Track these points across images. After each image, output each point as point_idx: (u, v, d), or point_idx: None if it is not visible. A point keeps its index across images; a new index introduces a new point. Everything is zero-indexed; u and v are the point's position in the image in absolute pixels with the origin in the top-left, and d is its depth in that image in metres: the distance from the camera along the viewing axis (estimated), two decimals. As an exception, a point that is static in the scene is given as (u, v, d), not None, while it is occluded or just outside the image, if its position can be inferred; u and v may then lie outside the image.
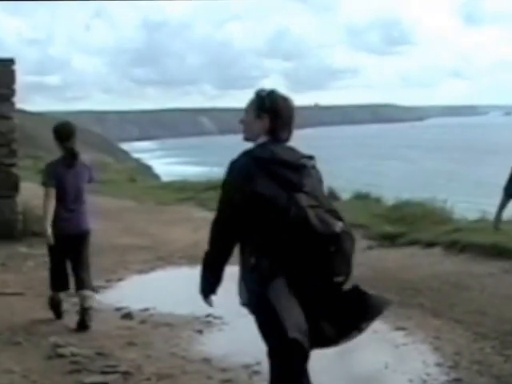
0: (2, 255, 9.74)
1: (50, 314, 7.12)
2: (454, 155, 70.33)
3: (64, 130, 6.92)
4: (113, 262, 9.70)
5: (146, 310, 7.49)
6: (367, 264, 9.13)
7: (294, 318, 3.54)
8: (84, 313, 6.77)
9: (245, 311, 7.25)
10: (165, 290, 8.61)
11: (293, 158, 3.70)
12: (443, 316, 7.01)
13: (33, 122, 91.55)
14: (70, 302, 7.46)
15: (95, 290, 7.33)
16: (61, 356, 5.96)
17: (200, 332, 6.81)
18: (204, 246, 9.79)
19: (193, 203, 15.09)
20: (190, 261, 9.75)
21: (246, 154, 3.74)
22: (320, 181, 3.79)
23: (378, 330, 6.75)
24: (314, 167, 3.77)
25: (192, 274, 9.20)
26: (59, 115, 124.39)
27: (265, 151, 3.69)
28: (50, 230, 6.66)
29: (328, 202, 3.67)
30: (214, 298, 4.33)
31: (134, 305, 7.69)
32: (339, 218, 3.57)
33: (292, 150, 3.78)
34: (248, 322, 7.08)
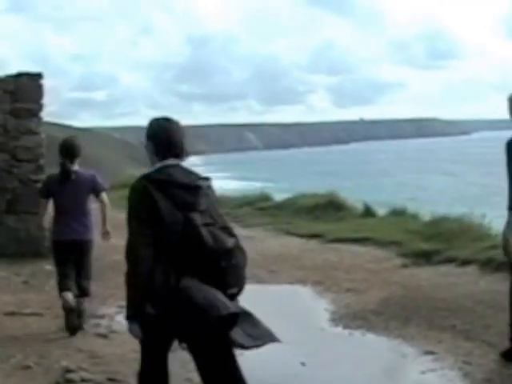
0: (26, 273, 9.60)
1: (65, 336, 6.93)
2: (497, 169, 68.95)
3: (61, 147, 7.30)
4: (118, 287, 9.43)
5: (166, 332, 7.24)
6: (400, 283, 8.81)
7: (211, 297, 3.76)
8: (78, 315, 7.12)
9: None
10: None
11: (188, 179, 3.94)
12: (476, 339, 6.63)
13: (81, 139, 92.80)
14: (87, 324, 7.27)
15: (89, 294, 7.45)
16: (70, 382, 5.74)
17: (218, 356, 6.52)
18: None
19: (228, 219, 14.64)
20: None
21: (144, 177, 3.94)
22: (216, 200, 4.09)
23: (405, 354, 6.44)
24: (209, 187, 4.02)
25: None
26: (106, 131, 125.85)
27: (162, 174, 3.92)
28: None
29: (222, 220, 4.03)
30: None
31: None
32: (232, 235, 3.97)
33: (189, 172, 4.01)
34: (269, 346, 6.89)
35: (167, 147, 4.00)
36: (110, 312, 8.03)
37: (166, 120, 4.14)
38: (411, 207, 14.09)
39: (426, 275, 9.15)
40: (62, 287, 7.15)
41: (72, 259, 7.29)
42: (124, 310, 7.96)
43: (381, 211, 14.41)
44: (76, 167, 7.30)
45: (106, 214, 7.67)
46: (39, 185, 10.62)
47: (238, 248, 3.97)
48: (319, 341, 6.96)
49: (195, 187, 3.93)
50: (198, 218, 3.84)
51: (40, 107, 10.68)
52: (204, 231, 3.81)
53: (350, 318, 7.54)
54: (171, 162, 3.97)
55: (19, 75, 10.49)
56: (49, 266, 10.09)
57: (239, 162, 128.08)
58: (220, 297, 3.80)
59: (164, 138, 4.03)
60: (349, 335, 7.06)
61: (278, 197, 16.75)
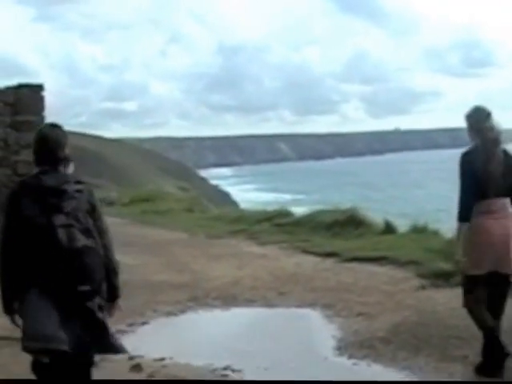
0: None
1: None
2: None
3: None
4: (142, 303, 9.15)
5: (161, 359, 6.90)
6: (414, 307, 8.36)
7: (36, 327, 4.13)
8: None
9: (268, 364, 6.66)
10: (188, 336, 8.00)
11: (56, 184, 4.31)
12: (489, 372, 6.17)
13: (111, 149, 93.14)
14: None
15: None
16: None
17: (211, 389, 6.16)
18: (244, 284, 9.13)
19: (244, 236, 14.49)
20: (224, 302, 9.15)
21: (19, 182, 4.48)
22: (86, 202, 4.38)
23: (413, 388, 6.04)
24: (79, 191, 4.37)
25: (222, 319, 8.69)
26: (136, 141, 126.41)
27: (34, 179, 4.37)
28: None
29: (86, 221, 4.32)
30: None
31: (150, 353, 7.11)
32: (90, 236, 4.32)
33: (59, 177, 4.37)
34: (270, 376, 6.51)
35: (40, 155, 4.44)
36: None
37: (48, 127, 4.59)
38: (442, 218, 13.51)
39: (444, 299, 8.66)
40: None
41: None
42: (122, 334, 7.75)
43: (406, 225, 13.88)
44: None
45: None
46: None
47: (92, 248, 4.31)
48: (319, 371, 6.55)
49: (61, 191, 4.29)
50: (59, 220, 4.23)
51: (41, 119, 10.38)
52: (60, 232, 4.20)
53: (356, 346, 7.12)
54: (44, 168, 4.37)
55: (19, 87, 10.21)
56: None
57: (271, 173, 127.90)
58: (51, 328, 4.13)
59: (38, 145, 4.45)
60: (353, 365, 6.66)
61: (305, 210, 16.31)
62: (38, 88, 10.34)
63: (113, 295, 4.70)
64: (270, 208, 17.71)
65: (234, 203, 74.80)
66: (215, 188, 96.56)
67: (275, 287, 9.80)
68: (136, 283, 10.27)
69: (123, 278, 10.08)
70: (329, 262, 11.37)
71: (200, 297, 9.44)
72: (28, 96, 10.26)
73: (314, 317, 8.44)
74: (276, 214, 15.89)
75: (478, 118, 6.00)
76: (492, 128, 5.95)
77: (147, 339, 7.85)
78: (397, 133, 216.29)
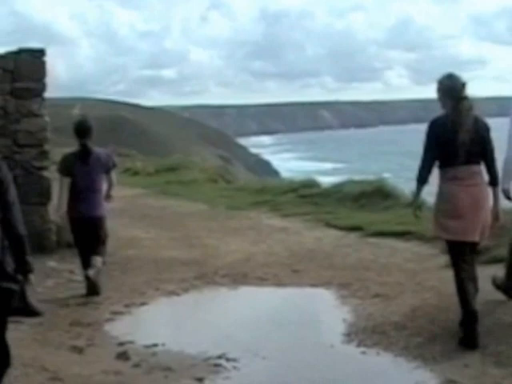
0: (24, 271, 8.71)
1: (35, 349, 6.08)
2: None
3: (79, 128, 7.92)
4: (145, 281, 8.58)
5: (152, 346, 6.31)
6: (436, 288, 7.63)
7: None
8: (88, 281, 7.84)
9: (266, 352, 6.02)
10: (187, 319, 7.38)
11: None
12: (508, 365, 5.47)
13: (148, 118, 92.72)
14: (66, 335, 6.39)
15: (103, 257, 8.07)
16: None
17: (200, 381, 5.54)
18: (257, 261, 8.49)
19: (267, 208, 13.80)
20: (233, 281, 8.53)
21: None
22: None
23: (421, 381, 5.37)
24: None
25: (227, 299, 8.05)
26: (175, 110, 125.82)
27: None
28: (61, 212, 7.95)
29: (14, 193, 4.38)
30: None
31: (142, 339, 6.53)
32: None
33: None
34: (265, 366, 5.88)
35: None
36: (100, 319, 7.15)
37: None
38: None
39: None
40: (84, 266, 7.94)
41: (87, 235, 7.92)
42: (117, 316, 7.19)
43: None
44: (95, 148, 8.01)
45: (110, 192, 8.18)
46: (44, 172, 9.82)
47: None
48: (321, 361, 5.92)
49: None
50: None
51: (43, 87, 9.71)
52: None
53: (368, 332, 6.45)
54: None
55: (19, 52, 9.54)
56: (52, 263, 9.33)
57: (313, 141, 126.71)
58: None
59: None
60: (360, 354, 5.99)
61: (341, 179, 15.52)
62: (40, 53, 9.64)
63: (23, 270, 4.41)
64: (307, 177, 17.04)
65: (274, 172, 74.38)
66: (256, 157, 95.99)
67: (290, 264, 9.16)
68: (143, 259, 9.77)
69: (131, 252, 9.63)
70: (351, 237, 10.66)
71: (208, 274, 8.82)
72: (29, 61, 9.58)
73: (327, 298, 7.78)
74: (302, 184, 15.16)
75: (454, 86, 5.92)
76: (466, 97, 5.89)
77: (142, 322, 7.30)
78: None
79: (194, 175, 19.57)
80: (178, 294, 8.06)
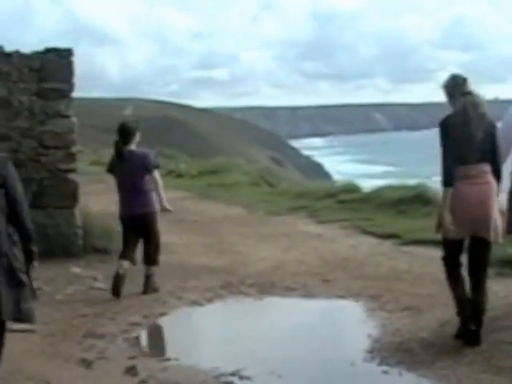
0: (46, 276, 8.47)
1: (42, 361, 5.88)
2: None
3: (118, 128, 8.17)
4: (170, 289, 8.33)
5: (165, 360, 6.05)
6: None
7: None
8: (145, 280, 8.17)
9: (281, 370, 5.70)
10: (205, 331, 7.15)
11: None
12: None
13: (199, 119, 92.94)
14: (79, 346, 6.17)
15: (156, 262, 8.33)
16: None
17: (207, 399, 5.26)
18: (287, 269, 8.15)
19: (305, 213, 13.47)
20: (259, 290, 8.23)
21: None
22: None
23: None
24: None
25: (251, 310, 7.74)
26: (227, 111, 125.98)
27: None
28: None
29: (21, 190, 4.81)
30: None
31: (155, 353, 6.38)
32: None
33: None
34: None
35: None
36: (115, 331, 6.90)
37: None
38: None
39: (505, 291, 7.50)
40: (121, 256, 8.12)
41: (134, 233, 8.17)
42: (134, 327, 6.95)
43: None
44: (132, 147, 8.13)
45: (159, 191, 8.19)
46: (70, 175, 9.66)
47: None
48: (340, 379, 5.59)
49: None
50: None
51: (71, 87, 9.51)
52: None
53: (392, 349, 6.06)
54: None
55: (46, 51, 9.36)
56: (77, 269, 9.15)
57: (365, 143, 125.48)
58: None
59: None
60: (382, 374, 5.62)
61: (389, 182, 15.11)
62: (67, 53, 9.44)
63: (29, 258, 4.94)
64: (359, 180, 16.68)
65: (326, 174, 73.86)
66: (308, 159, 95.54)
67: (321, 273, 8.82)
68: (171, 266, 9.51)
69: (161, 259, 9.37)
70: (387, 245, 10.28)
71: (234, 283, 8.54)
72: (55, 61, 9.40)
73: (355, 310, 7.43)
74: (342, 189, 14.78)
75: (455, 84, 5.89)
76: (470, 92, 5.82)
77: (159, 335, 7.05)
78: (496, 102, 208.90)
79: (236, 178, 19.33)
80: (200, 304, 7.79)
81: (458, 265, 6.04)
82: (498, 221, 5.86)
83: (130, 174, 8.01)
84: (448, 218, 5.75)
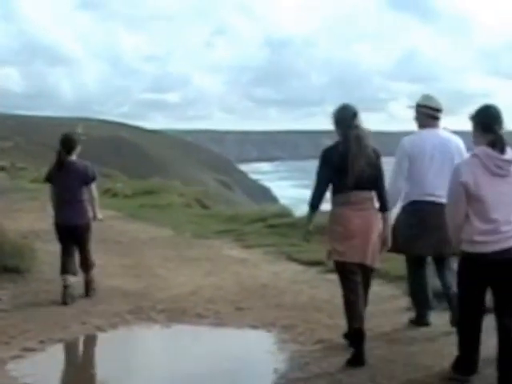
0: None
1: None
2: None
3: (60, 139, 8.39)
4: (75, 313, 7.82)
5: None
6: (388, 336, 6.85)
7: None
8: (85, 286, 8.61)
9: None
10: (96, 361, 6.63)
11: None
12: None
13: (150, 140, 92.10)
14: None
15: (93, 266, 8.70)
16: None
17: None
18: (202, 295, 7.63)
19: (232, 237, 13.03)
20: (168, 317, 7.74)
21: None
22: None
23: None
24: None
25: (154, 339, 7.26)
26: (178, 134, 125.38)
27: None
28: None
29: None
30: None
31: (40, 383, 5.76)
32: None
33: None
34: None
35: None
36: (5, 356, 6.38)
37: None
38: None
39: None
40: (62, 271, 8.35)
41: (70, 241, 8.40)
42: (26, 354, 6.40)
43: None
44: (72, 158, 8.38)
45: (94, 203, 8.50)
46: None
47: None
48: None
49: None
50: None
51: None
52: None
53: (296, 388, 5.65)
54: None
55: None
56: None
57: (314, 169, 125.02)
58: None
59: None
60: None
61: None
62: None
63: None
64: (302, 205, 16.22)
65: (273, 198, 73.53)
66: (255, 183, 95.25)
67: (236, 300, 8.37)
68: (82, 288, 8.98)
69: (72, 280, 8.78)
70: (311, 273, 9.89)
71: (145, 309, 8.04)
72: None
73: (265, 341, 6.97)
74: (274, 214, 14.39)
75: (344, 116, 6.11)
76: (357, 126, 6.07)
77: (49, 363, 6.50)
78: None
79: (170, 199, 18.85)
80: (103, 331, 7.28)
81: (351, 287, 6.12)
82: (377, 245, 6.16)
83: (68, 184, 8.25)
84: (327, 243, 6.24)
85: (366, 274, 6.21)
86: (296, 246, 11.52)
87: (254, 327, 7.36)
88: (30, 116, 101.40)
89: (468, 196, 5.12)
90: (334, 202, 6.14)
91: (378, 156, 6.13)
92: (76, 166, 8.33)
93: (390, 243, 6.28)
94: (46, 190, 8.87)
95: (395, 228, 6.64)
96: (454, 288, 6.03)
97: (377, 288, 8.63)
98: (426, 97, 6.95)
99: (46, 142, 68.22)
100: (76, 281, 8.47)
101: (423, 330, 6.99)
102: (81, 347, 6.95)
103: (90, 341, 7.08)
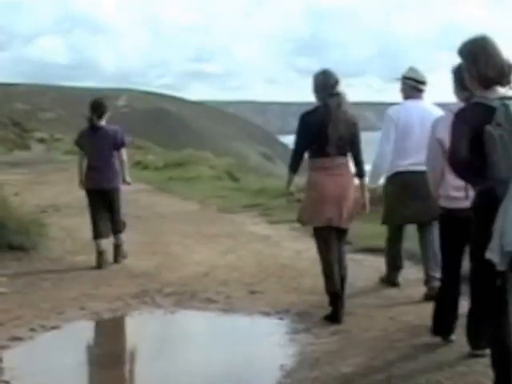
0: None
1: None
2: None
3: (91, 105, 8.61)
4: (75, 296, 7.28)
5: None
6: (410, 323, 6.11)
7: None
8: (114, 250, 8.72)
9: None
10: (86, 352, 6.02)
11: None
12: None
13: (192, 112, 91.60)
14: None
15: (123, 231, 8.81)
16: None
17: None
18: (215, 276, 6.97)
19: (257, 211, 12.37)
20: (175, 301, 7.13)
21: None
22: None
23: None
24: None
25: (155, 326, 6.62)
26: (220, 105, 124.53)
27: None
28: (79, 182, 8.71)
29: None
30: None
31: (23, 376, 5.19)
32: None
33: None
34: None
35: None
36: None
37: None
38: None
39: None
40: (95, 235, 8.53)
41: (102, 204, 8.50)
42: (14, 343, 5.84)
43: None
44: (103, 123, 8.55)
45: (124, 167, 8.65)
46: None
47: None
48: None
49: None
50: None
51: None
52: None
53: (304, 386, 4.98)
54: None
55: None
56: None
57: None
58: None
59: None
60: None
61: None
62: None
63: None
64: None
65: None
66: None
67: (251, 283, 7.72)
68: (88, 267, 8.49)
69: (79, 259, 8.32)
70: (337, 252, 9.15)
71: (151, 292, 7.44)
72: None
73: (275, 331, 6.27)
74: (304, 188, 13.62)
75: (326, 82, 6.19)
76: (338, 94, 6.15)
77: (36, 354, 5.92)
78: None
79: (199, 171, 18.24)
80: (101, 317, 6.68)
81: (328, 250, 6.28)
82: (352, 209, 6.27)
83: (99, 148, 8.41)
84: (301, 207, 6.44)
85: (341, 237, 6.36)
86: (323, 223, 10.81)
87: (266, 314, 6.69)
88: (71, 87, 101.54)
89: (444, 152, 4.98)
90: (311, 167, 6.23)
91: (355, 123, 6.23)
92: (107, 131, 8.49)
93: (368, 207, 6.43)
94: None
95: (383, 198, 7.06)
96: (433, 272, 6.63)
97: (404, 270, 7.92)
98: (412, 69, 7.06)
99: (87, 114, 68.33)
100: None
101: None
102: (71, 337, 6.32)
103: (83, 329, 6.46)
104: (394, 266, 7.42)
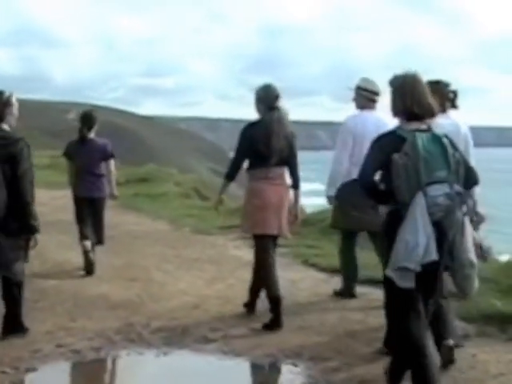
0: None
1: None
2: None
3: (81, 117, 8.84)
4: (50, 329, 6.35)
5: None
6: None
7: None
8: (85, 256, 8.52)
9: None
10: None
11: None
12: None
13: (143, 127, 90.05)
14: None
15: (103, 242, 8.86)
16: None
17: None
18: (207, 309, 5.80)
19: (238, 234, 11.49)
20: (165, 339, 6.22)
21: None
22: (6, 151, 5.58)
23: None
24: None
25: (144, 372, 5.57)
26: (170, 120, 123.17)
27: None
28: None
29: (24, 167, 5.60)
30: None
31: None
32: None
33: None
34: None
35: None
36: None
37: None
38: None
39: (493, 364, 5.64)
40: (81, 237, 8.57)
41: (88, 212, 8.65)
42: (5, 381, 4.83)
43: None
44: (92, 135, 8.75)
45: (111, 179, 8.83)
46: None
47: None
48: None
49: None
50: None
51: None
52: None
53: None
54: None
55: None
56: None
57: (307, 161, 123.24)
58: None
59: None
60: None
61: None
62: None
63: (26, 232, 5.65)
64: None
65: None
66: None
67: (249, 319, 6.84)
68: (62, 295, 7.58)
69: (50, 284, 7.25)
70: (335, 282, 8.22)
71: (137, 326, 6.51)
72: None
73: (291, 380, 5.43)
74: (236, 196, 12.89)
75: (267, 96, 6.49)
76: (278, 108, 6.46)
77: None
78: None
79: (166, 188, 17.30)
80: (83, 357, 5.74)
81: (267, 257, 6.54)
82: (286, 218, 6.54)
83: (89, 159, 8.59)
84: (243, 216, 6.73)
85: (275, 244, 6.65)
86: (312, 248, 10.06)
87: (274, 358, 5.81)
88: (22, 99, 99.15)
89: None
90: (253, 176, 6.48)
91: (293, 136, 6.55)
92: (96, 143, 8.71)
93: (300, 217, 6.88)
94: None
95: (337, 205, 7.04)
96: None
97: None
98: (366, 80, 7.23)
99: (38, 126, 66.53)
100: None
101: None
102: (50, 382, 5.37)
103: (63, 373, 5.51)
104: (350, 276, 7.50)
